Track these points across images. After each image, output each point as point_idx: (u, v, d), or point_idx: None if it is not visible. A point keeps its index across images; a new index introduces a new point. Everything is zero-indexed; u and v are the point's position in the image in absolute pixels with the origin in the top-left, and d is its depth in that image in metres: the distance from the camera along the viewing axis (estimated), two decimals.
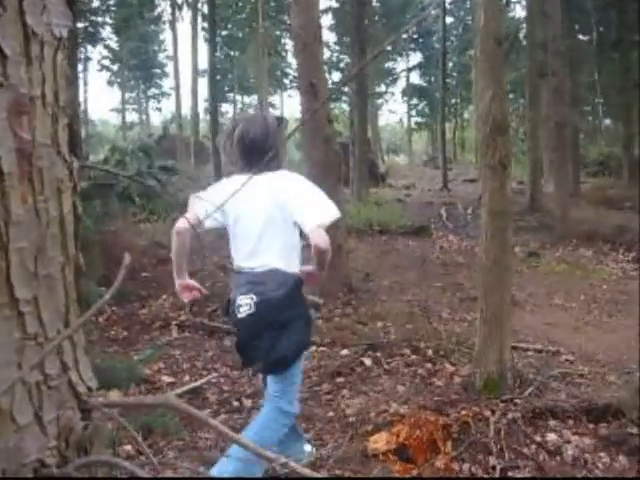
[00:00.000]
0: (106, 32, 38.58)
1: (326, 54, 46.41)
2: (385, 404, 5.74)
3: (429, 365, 6.90)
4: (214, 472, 4.02)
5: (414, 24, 38.20)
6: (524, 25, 27.83)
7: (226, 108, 65.07)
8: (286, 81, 61.38)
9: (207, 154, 33.26)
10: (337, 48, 54.50)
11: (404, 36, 59.05)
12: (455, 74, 57.66)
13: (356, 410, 5.54)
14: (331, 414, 5.61)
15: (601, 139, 42.24)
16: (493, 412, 5.27)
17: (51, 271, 1.56)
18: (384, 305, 9.35)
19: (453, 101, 59.86)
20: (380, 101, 65.95)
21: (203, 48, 65.24)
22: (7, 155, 1.44)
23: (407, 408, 5.51)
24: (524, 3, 32.67)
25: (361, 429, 5.17)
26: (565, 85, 19.28)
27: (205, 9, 35.33)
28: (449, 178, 31.92)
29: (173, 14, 44.06)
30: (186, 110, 52.87)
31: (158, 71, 70.04)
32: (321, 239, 3.92)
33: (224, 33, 49.00)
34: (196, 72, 42.56)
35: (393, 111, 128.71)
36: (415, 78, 66.71)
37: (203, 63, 40.95)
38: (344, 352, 7.25)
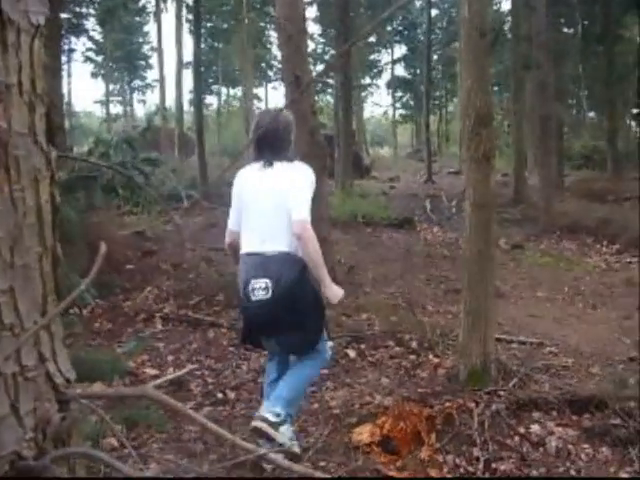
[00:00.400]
0: (90, 23, 38.41)
1: (311, 46, 46.38)
2: (369, 396, 5.75)
3: (413, 357, 6.91)
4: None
5: (397, 7, 38.01)
6: (509, 18, 27.84)
7: (210, 100, 65.00)
8: (271, 73, 61.36)
9: (191, 146, 33.15)
10: (322, 40, 54.51)
11: (388, 28, 59.11)
12: (440, 67, 57.61)
13: (340, 402, 5.54)
14: (315, 406, 5.60)
15: (585, 132, 42.32)
16: (477, 404, 5.28)
17: (28, 261, 1.54)
18: (368, 297, 9.35)
19: (438, 94, 59.81)
20: (365, 93, 65.91)
21: (188, 40, 64.98)
22: None
23: (391, 400, 5.52)
24: None
25: (345, 421, 5.18)
26: (549, 78, 19.30)
27: (190, 0, 35.18)
28: (434, 170, 32.00)
29: (157, 5, 43.96)
30: (170, 102, 52.66)
31: (142, 63, 69.67)
32: (305, 231, 4.32)
33: (209, 25, 48.80)
34: (180, 64, 42.32)
35: (378, 103, 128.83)
36: (400, 70, 66.68)
37: (188, 55, 40.94)
38: (328, 344, 7.24)
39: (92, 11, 30.35)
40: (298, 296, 4.40)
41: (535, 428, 4.99)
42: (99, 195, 6.89)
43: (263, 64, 58.22)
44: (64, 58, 45.67)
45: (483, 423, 4.98)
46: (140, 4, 46.28)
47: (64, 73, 44.51)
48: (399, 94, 67.60)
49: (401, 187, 28.39)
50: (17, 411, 1.52)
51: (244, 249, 4.62)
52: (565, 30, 33.86)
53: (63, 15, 21.83)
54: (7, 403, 1.50)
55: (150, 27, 65.04)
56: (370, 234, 16.20)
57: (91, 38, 55.27)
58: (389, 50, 65.34)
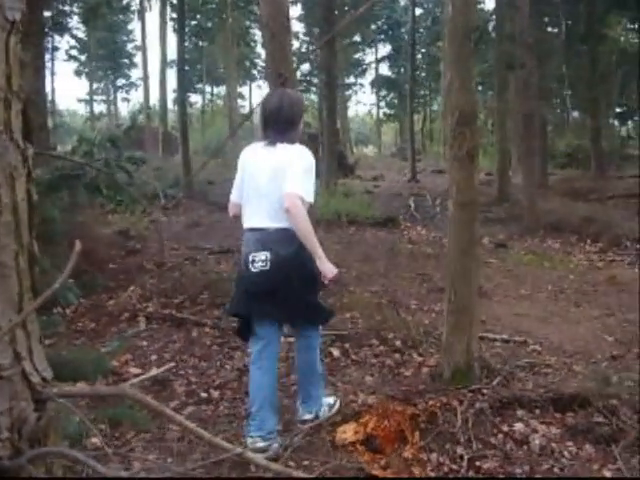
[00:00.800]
0: (73, 21, 38.32)
1: (295, 45, 46.37)
2: (353, 394, 5.74)
3: (397, 355, 6.91)
4: None
5: None
6: (493, 17, 27.88)
7: (195, 99, 64.94)
8: (255, 72, 61.33)
9: (175, 145, 33.09)
10: (306, 39, 54.46)
11: (373, 27, 59.16)
12: (424, 66, 57.70)
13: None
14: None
15: (569, 131, 42.44)
16: (461, 402, 5.28)
17: (3, 259, 1.52)
18: (352, 296, 9.34)
19: (422, 93, 59.92)
20: (349, 92, 66.06)
21: (172, 38, 64.98)
22: None
23: (375, 398, 5.52)
24: None
25: (329, 419, 5.17)
26: (533, 77, 19.33)
27: None
28: (418, 169, 32.02)
29: (141, 4, 43.90)
30: (154, 101, 52.63)
31: (126, 61, 69.51)
32: (291, 204, 4.49)
33: (193, 23, 48.75)
34: (164, 62, 42.29)
35: (362, 102, 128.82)
36: (384, 69, 66.82)
37: (172, 53, 40.74)
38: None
39: (75, 9, 30.22)
40: (295, 268, 4.68)
41: (519, 426, 5.00)
42: (82, 194, 6.84)
43: (247, 63, 58.25)
44: (47, 56, 45.44)
45: (467, 421, 4.98)
46: (124, 2, 46.08)
47: (47, 71, 44.28)
48: (383, 93, 67.72)
49: (385, 186, 28.40)
50: None
51: (246, 224, 4.88)
52: (549, 29, 34.01)
53: (46, 13, 21.73)
54: None
55: (134, 25, 64.86)
56: (354, 233, 16.20)
57: (74, 36, 55.21)
58: (373, 49, 65.52)
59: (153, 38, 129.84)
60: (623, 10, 29.55)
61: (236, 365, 6.75)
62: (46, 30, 25.70)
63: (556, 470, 4.48)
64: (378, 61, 65.44)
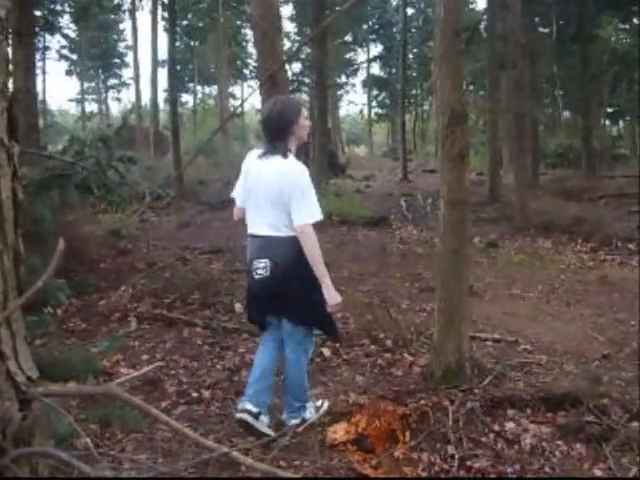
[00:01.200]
0: (64, 21, 38.19)
1: (286, 45, 46.32)
2: (344, 394, 5.75)
3: (388, 355, 6.91)
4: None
5: None
6: (485, 17, 27.90)
7: (186, 98, 64.88)
8: (246, 71, 61.21)
9: (167, 144, 33.05)
10: (297, 39, 54.40)
11: (364, 27, 59.17)
12: (415, 65, 57.70)
13: (315, 401, 5.52)
14: None
15: (560, 131, 42.51)
16: (452, 402, 5.29)
17: None
18: (343, 295, 9.19)
19: (413, 92, 59.95)
20: (340, 92, 66.05)
21: (163, 38, 64.78)
22: None
23: (366, 398, 5.52)
24: None
25: (320, 419, 5.17)
26: (525, 77, 19.35)
27: None
28: (409, 169, 32.03)
29: (133, 3, 43.68)
30: (146, 100, 52.47)
31: (117, 61, 69.42)
32: (304, 235, 4.74)
33: (184, 23, 48.63)
34: (156, 62, 42.16)
35: (354, 102, 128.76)
36: (376, 69, 66.89)
37: (163, 53, 40.59)
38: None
39: (67, 8, 30.14)
40: (294, 275, 4.83)
41: (510, 425, 5.00)
42: (73, 194, 6.81)
43: (239, 62, 58.10)
44: (38, 56, 45.32)
45: (458, 421, 4.99)
46: (115, 1, 45.94)
47: (38, 71, 44.15)
48: (375, 93, 67.74)
49: (376, 186, 28.41)
50: None
51: (249, 230, 5.05)
52: (540, 29, 33.98)
53: (37, 12, 21.69)
54: None
55: (125, 25, 64.71)
56: (345, 233, 16.19)
57: (66, 36, 54.97)
58: (365, 49, 65.56)
59: (144, 38, 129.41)
60: (614, 10, 29.59)
61: (227, 365, 6.74)
62: (37, 29, 25.66)
63: (547, 469, 4.49)
64: (370, 61, 65.46)
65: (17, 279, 1.64)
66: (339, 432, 4.84)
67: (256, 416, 4.94)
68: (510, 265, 12.65)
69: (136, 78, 48.34)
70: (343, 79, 65.62)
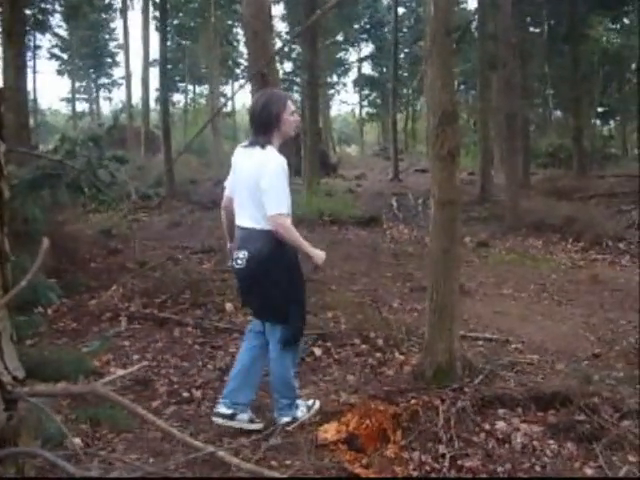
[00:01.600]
0: (55, 20, 38.15)
1: (278, 44, 46.34)
2: (335, 394, 5.75)
3: (379, 355, 6.92)
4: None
5: None
6: (475, 16, 27.92)
7: (177, 98, 64.84)
8: (238, 71, 61.14)
9: (158, 144, 32.98)
10: (288, 38, 54.39)
11: (356, 26, 59.17)
12: (407, 65, 57.74)
13: (306, 400, 5.52)
14: None
15: (551, 131, 42.60)
16: (443, 401, 5.29)
17: None
18: (334, 295, 9.33)
19: (405, 92, 59.96)
20: (332, 91, 66.04)
21: (154, 37, 64.61)
22: None
23: (357, 398, 5.52)
24: None
25: (311, 419, 5.17)
26: (515, 77, 19.38)
27: None
28: (400, 169, 32.02)
29: (124, 2, 43.69)
30: (137, 99, 52.42)
31: (109, 60, 69.32)
32: (278, 226, 4.78)
33: (175, 22, 48.63)
34: (147, 61, 42.10)
35: (345, 101, 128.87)
36: (367, 69, 66.90)
37: (154, 52, 40.50)
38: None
39: (57, 7, 30.07)
40: (268, 271, 4.89)
41: (500, 425, 5.01)
42: (64, 193, 6.80)
43: (230, 62, 58.04)
44: (29, 55, 45.22)
45: (449, 420, 4.99)
46: (106, 1, 45.92)
47: (29, 70, 44.03)
48: (366, 92, 67.77)
49: (368, 185, 28.41)
50: None
51: (236, 221, 5.10)
52: (531, 29, 34.04)
53: (28, 11, 21.63)
54: None
55: (117, 24, 64.66)
56: (336, 232, 16.20)
57: (57, 35, 54.90)
58: (356, 48, 65.57)
59: (136, 37, 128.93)
60: (605, 10, 29.65)
61: (218, 365, 6.74)
62: (28, 28, 25.59)
63: (538, 468, 4.49)
64: (361, 60, 65.54)
65: (3, 278, 1.63)
66: (330, 431, 4.84)
67: (231, 417, 5.09)
68: (501, 264, 12.67)
69: (127, 77, 48.27)
70: (334, 78, 65.68)
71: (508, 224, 16.79)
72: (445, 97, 5.83)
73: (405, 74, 57.29)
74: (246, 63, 46.58)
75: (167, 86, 29.35)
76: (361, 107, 69.83)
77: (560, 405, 5.27)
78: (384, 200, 22.63)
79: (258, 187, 4.79)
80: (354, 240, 15.28)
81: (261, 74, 9.32)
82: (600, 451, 4.65)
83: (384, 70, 60.57)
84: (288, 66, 55.21)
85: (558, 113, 47.62)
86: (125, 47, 48.09)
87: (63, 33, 56.55)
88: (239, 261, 4.96)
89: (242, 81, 62.46)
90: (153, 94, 50.52)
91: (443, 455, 4.59)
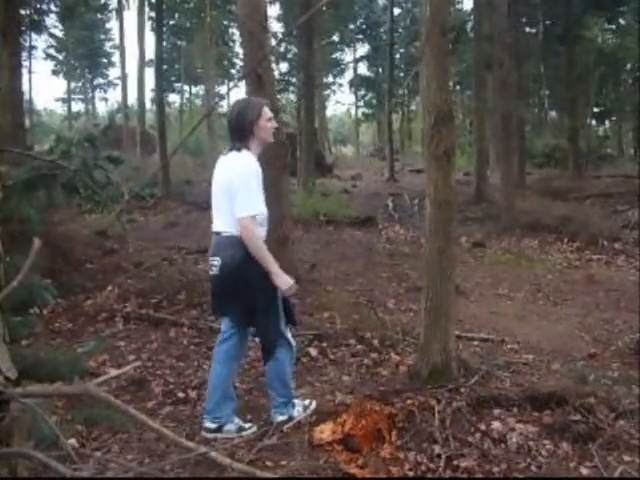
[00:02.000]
0: (51, 20, 38.06)
1: (273, 44, 46.27)
2: (330, 394, 5.74)
3: (375, 355, 6.92)
4: None
5: None
6: (471, 17, 27.94)
7: (173, 98, 64.77)
8: (233, 71, 61.12)
9: (153, 144, 32.95)
10: (285, 39, 54.32)
11: (351, 27, 59.17)
12: (402, 65, 57.74)
13: (303, 400, 5.52)
14: None
15: (547, 131, 42.63)
16: (438, 401, 5.29)
17: None
18: (330, 295, 9.34)
19: (400, 92, 59.92)
20: (327, 92, 66.02)
21: (150, 37, 64.52)
22: None
23: (352, 398, 5.52)
24: None
25: (307, 419, 5.16)
26: (511, 77, 19.39)
27: None
28: (396, 169, 32.01)
29: (120, 2, 43.62)
30: (132, 100, 52.38)
31: (104, 60, 69.20)
32: (242, 229, 4.78)
33: (171, 22, 48.55)
34: (143, 61, 41.98)
35: (341, 102, 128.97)
36: (363, 69, 66.85)
37: (150, 52, 40.43)
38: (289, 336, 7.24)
39: (53, 7, 30.00)
40: (241, 275, 4.84)
41: (496, 425, 5.01)
42: (59, 194, 6.79)
43: (226, 62, 58.04)
44: (24, 55, 45.13)
45: (444, 420, 5.00)
46: (102, 1, 45.87)
47: (24, 70, 43.97)
48: (362, 92, 67.72)
49: (363, 185, 28.39)
50: None
51: (212, 226, 5.11)
52: (527, 30, 34.07)
53: (23, 11, 21.58)
54: None
55: (112, 24, 64.53)
56: (332, 232, 16.20)
57: (52, 35, 54.86)
58: (352, 49, 65.53)
59: (131, 37, 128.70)
60: (600, 11, 29.70)
61: None
62: (23, 29, 25.55)
63: (533, 468, 4.50)
64: (357, 61, 65.50)
65: None
66: (326, 432, 4.84)
67: (217, 430, 5.07)
68: (497, 265, 12.69)
69: (123, 78, 48.23)
70: (330, 79, 65.64)
71: (504, 224, 16.80)
72: (440, 97, 5.84)
73: (401, 74, 57.28)
74: (242, 63, 46.60)
75: (163, 86, 29.33)
76: (357, 107, 69.80)
77: (556, 405, 5.28)
78: (380, 200, 22.63)
79: (230, 190, 4.82)
80: (350, 240, 15.29)
81: (256, 74, 9.31)
82: (595, 451, 4.66)
83: (380, 70, 60.64)
84: (284, 66, 55.18)
85: (554, 113, 47.73)
86: (121, 47, 48.06)
87: (59, 33, 56.55)
88: (213, 268, 4.97)
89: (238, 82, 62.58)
90: (149, 94, 50.45)
91: (439, 455, 4.59)
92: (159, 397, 5.97)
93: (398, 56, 55.08)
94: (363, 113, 69.10)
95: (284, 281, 4.86)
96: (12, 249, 2.76)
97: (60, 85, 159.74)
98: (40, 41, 56.58)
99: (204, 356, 7.02)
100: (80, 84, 73.36)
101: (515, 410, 5.29)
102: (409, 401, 5.25)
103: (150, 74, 46.81)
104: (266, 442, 4.80)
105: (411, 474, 4.42)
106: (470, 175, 25.10)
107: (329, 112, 77.79)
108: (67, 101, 71.45)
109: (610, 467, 4.49)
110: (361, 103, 68.80)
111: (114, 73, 68.10)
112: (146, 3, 38.91)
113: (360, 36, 63.54)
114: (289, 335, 5.23)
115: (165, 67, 39.48)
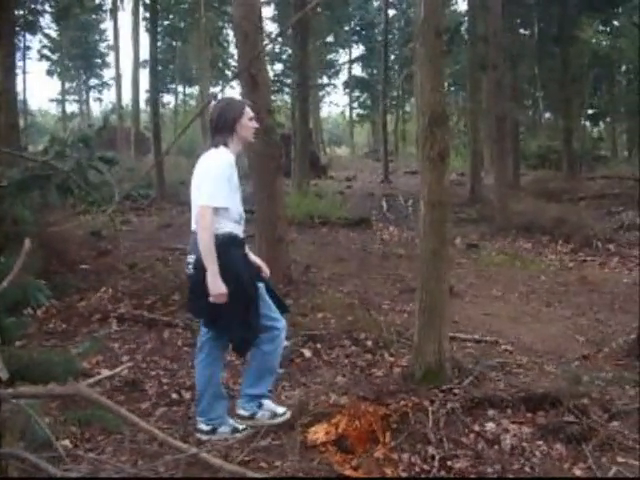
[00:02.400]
0: (45, 20, 37.99)
1: (268, 46, 46.28)
2: (324, 395, 5.73)
3: (369, 356, 6.92)
4: None
5: None
6: (465, 18, 27.97)
7: (167, 99, 64.81)
8: (228, 72, 61.11)
9: (148, 145, 32.94)
10: (279, 39, 54.35)
11: (346, 28, 59.22)
12: (397, 67, 57.81)
13: (296, 401, 5.52)
14: None
15: (541, 132, 42.66)
16: (432, 402, 5.29)
17: None
18: (324, 296, 9.34)
19: (395, 94, 59.99)
20: (322, 93, 66.08)
21: (145, 38, 64.47)
22: None
23: (346, 399, 5.50)
24: None
25: (300, 420, 5.15)
26: (506, 78, 19.44)
27: None
28: (390, 170, 32.06)
29: (114, 3, 43.58)
30: (127, 100, 52.32)
31: (99, 61, 69.24)
32: (199, 217, 4.77)
33: (166, 23, 48.63)
34: (137, 62, 42.04)
35: (335, 103, 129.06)
36: (357, 70, 66.96)
37: (144, 53, 40.41)
38: (284, 343, 7.22)
39: (47, 8, 29.95)
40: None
41: (490, 426, 5.01)
42: (54, 194, 6.78)
43: (220, 63, 58.03)
44: (19, 55, 45.06)
45: (438, 421, 5.00)
46: (96, 1, 45.82)
47: (19, 71, 43.90)
48: (356, 94, 67.86)
49: (358, 187, 28.42)
50: None
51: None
52: (521, 31, 34.10)
53: (17, 12, 21.54)
54: None
55: (107, 25, 64.57)
56: (326, 233, 16.21)
57: (47, 35, 54.74)
58: (347, 50, 65.63)
59: (126, 38, 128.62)
60: (595, 12, 29.74)
61: None
62: (17, 29, 25.48)
63: (527, 469, 4.50)
64: (351, 62, 65.61)
65: None
66: (319, 433, 4.83)
67: (211, 432, 5.03)
68: (491, 266, 12.69)
69: (117, 78, 48.33)
70: (325, 80, 65.70)
71: (498, 225, 16.81)
72: (435, 99, 5.84)
73: (395, 76, 57.35)
74: (236, 64, 46.56)
75: (157, 87, 29.32)
76: (351, 109, 69.94)
77: (549, 406, 5.28)
78: (374, 201, 22.66)
79: (200, 185, 4.88)
80: (344, 241, 15.29)
81: (250, 75, 9.31)
82: (589, 452, 4.66)
83: (374, 72, 60.72)
84: (278, 67, 55.24)
85: (548, 115, 47.72)
86: (115, 48, 48.18)
87: (53, 34, 56.39)
88: (189, 266, 4.96)
89: (232, 82, 62.57)
90: (143, 95, 50.43)
91: (433, 456, 4.58)
92: (153, 398, 5.96)
93: (393, 57, 55.20)
94: (357, 114, 69.24)
95: (217, 285, 4.69)
96: (6, 249, 2.76)
97: (54, 86, 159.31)
98: (34, 42, 56.44)
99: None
100: (74, 85, 73.33)
101: (509, 411, 5.29)
102: (403, 402, 5.25)
103: (144, 75, 46.73)
104: (259, 443, 4.80)
105: (405, 475, 4.41)
106: (464, 176, 25.14)
107: (324, 113, 77.94)
108: (61, 102, 71.41)
109: (604, 468, 4.50)
110: (355, 104, 68.93)
111: (108, 74, 68.22)
112: (140, 4, 38.91)
113: (355, 37, 63.67)
114: (280, 325, 5.22)
115: (159, 68, 39.46)
